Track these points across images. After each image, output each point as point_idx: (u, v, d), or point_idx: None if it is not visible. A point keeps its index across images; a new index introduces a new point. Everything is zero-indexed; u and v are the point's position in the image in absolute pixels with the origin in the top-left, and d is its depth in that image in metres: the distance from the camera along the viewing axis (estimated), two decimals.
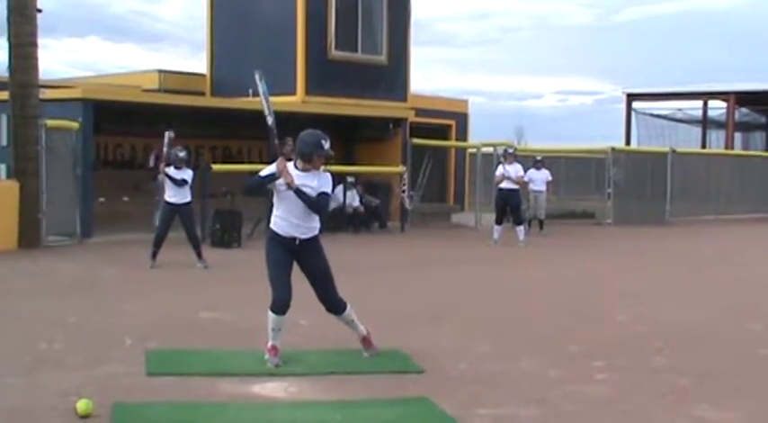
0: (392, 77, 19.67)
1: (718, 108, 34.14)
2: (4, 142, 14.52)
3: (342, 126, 18.12)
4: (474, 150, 20.91)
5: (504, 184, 15.47)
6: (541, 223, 18.34)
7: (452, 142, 21.81)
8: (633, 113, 34.17)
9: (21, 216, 13.42)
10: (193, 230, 11.86)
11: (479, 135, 23.64)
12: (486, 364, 6.53)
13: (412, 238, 16.97)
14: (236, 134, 19.01)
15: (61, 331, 7.36)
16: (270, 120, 6.45)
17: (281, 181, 6.16)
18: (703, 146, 33.30)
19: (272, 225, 6.35)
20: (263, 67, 19.38)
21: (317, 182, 6.19)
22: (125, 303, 8.85)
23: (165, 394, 5.57)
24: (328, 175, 6.33)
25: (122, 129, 17.74)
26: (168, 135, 11.76)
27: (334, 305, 6.39)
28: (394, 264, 12.80)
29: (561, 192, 24.15)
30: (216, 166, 16.02)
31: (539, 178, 18.29)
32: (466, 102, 23.34)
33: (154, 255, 11.58)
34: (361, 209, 17.83)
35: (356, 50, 19.11)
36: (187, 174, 11.56)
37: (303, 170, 6.19)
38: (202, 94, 19.33)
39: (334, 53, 18.64)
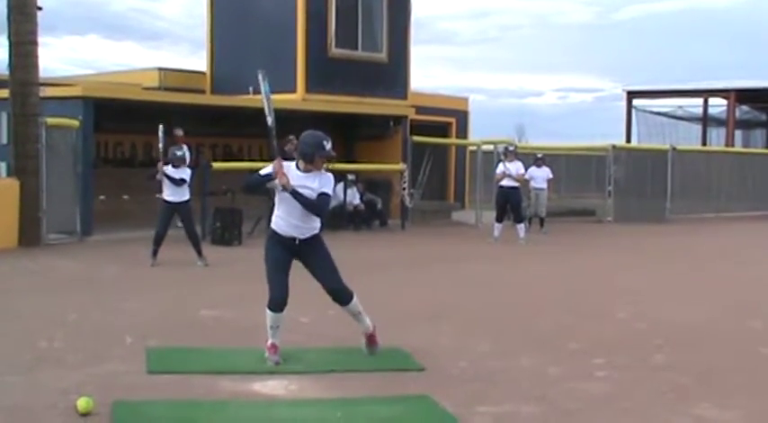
0: (392, 75, 19.68)
1: (718, 105, 34.13)
2: (5, 140, 14.52)
3: (342, 124, 18.13)
4: (474, 148, 20.90)
5: (505, 182, 15.47)
6: (542, 221, 18.33)
7: (453, 140, 21.81)
8: (633, 111, 34.17)
9: (21, 214, 13.42)
10: (193, 228, 11.86)
11: (480, 133, 23.66)
12: (487, 362, 6.53)
13: (412, 236, 16.97)
14: (236, 132, 19.01)
15: (61, 329, 7.36)
16: (270, 120, 6.44)
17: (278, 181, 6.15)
18: (704, 143, 33.29)
19: (272, 224, 6.34)
20: (263, 64, 19.33)
21: (317, 183, 6.16)
22: (125, 301, 8.85)
23: (165, 392, 5.58)
24: (330, 175, 6.30)
25: (123, 127, 17.74)
26: (162, 130, 11.71)
27: (341, 294, 6.33)
28: (394, 261, 12.80)
29: (562, 189, 24.13)
30: (216, 164, 16.02)
31: (540, 176, 18.29)
32: (466, 99, 23.35)
33: (154, 253, 11.58)
34: (362, 207, 17.83)
35: (356, 48, 19.11)
36: (185, 173, 11.55)
37: (305, 171, 6.17)
38: (203, 91, 19.33)
39: (335, 51, 18.64)
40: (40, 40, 13.75)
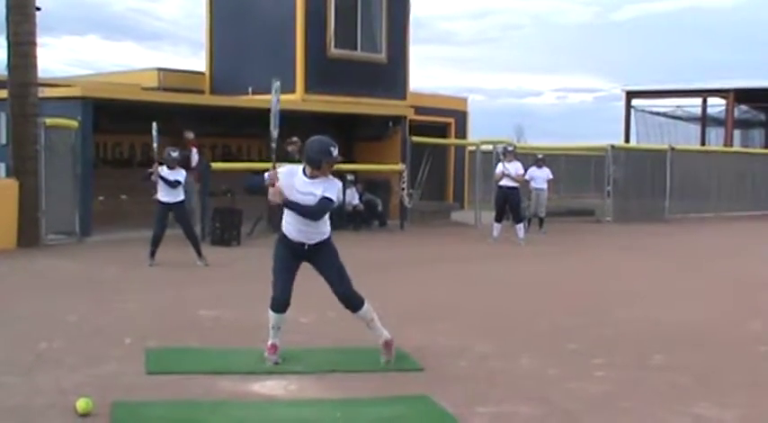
0: (391, 75, 19.68)
1: (717, 105, 34.16)
2: (4, 141, 14.51)
3: (341, 124, 18.12)
4: (473, 148, 20.90)
5: (504, 182, 15.47)
6: (541, 221, 18.34)
7: (452, 140, 21.81)
8: (632, 111, 34.20)
9: (20, 215, 13.41)
10: (191, 229, 11.86)
11: (479, 133, 23.66)
12: (486, 362, 6.53)
13: (411, 236, 16.97)
14: (235, 132, 19.02)
15: (60, 330, 7.36)
16: (275, 133, 6.41)
17: (289, 185, 6.09)
18: (702, 143, 33.32)
19: (282, 227, 6.32)
20: (262, 64, 19.35)
21: (322, 188, 6.10)
22: (124, 302, 8.85)
23: (164, 393, 5.58)
24: (337, 182, 6.24)
25: (122, 127, 17.74)
26: (155, 129, 11.69)
27: (350, 299, 6.30)
28: (393, 262, 12.80)
29: (561, 189, 24.16)
30: (215, 165, 16.01)
31: (540, 176, 18.29)
32: (465, 100, 23.35)
33: (152, 254, 11.58)
34: (361, 207, 17.83)
35: (355, 49, 19.11)
36: (180, 174, 11.55)
37: (311, 176, 6.12)
38: (202, 92, 19.33)
39: (334, 51, 18.64)
40: (39, 40, 13.79)
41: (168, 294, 9.50)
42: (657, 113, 35.20)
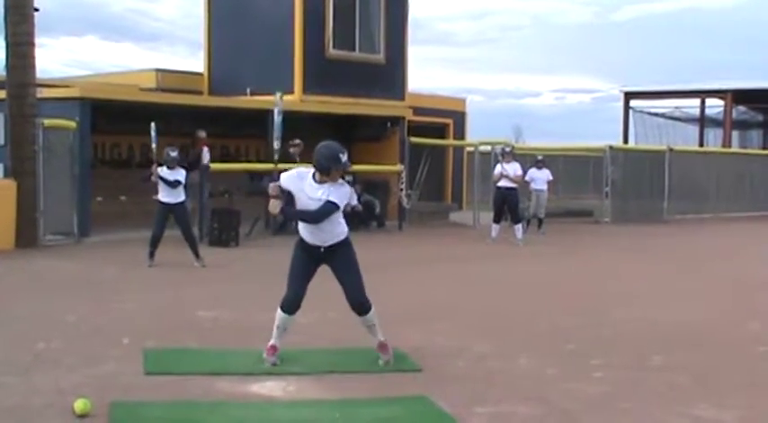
0: (390, 76, 19.67)
1: (715, 106, 34.19)
2: (2, 141, 14.48)
3: (339, 125, 18.12)
4: (472, 149, 20.90)
5: (503, 183, 15.48)
6: (540, 222, 18.35)
7: (450, 141, 21.81)
8: (631, 112, 34.22)
9: (18, 215, 13.40)
10: (189, 230, 11.85)
11: (477, 134, 23.66)
12: (484, 363, 6.53)
13: (410, 237, 16.97)
14: (233, 133, 19.01)
15: (59, 330, 7.36)
16: (276, 144, 6.44)
17: (298, 189, 6.11)
18: (701, 144, 33.33)
19: (299, 231, 6.30)
20: (260, 65, 19.33)
21: (329, 193, 6.07)
22: (123, 302, 8.84)
23: (162, 393, 5.57)
24: (345, 186, 6.23)
25: (120, 128, 17.73)
26: (154, 129, 11.68)
27: (361, 305, 6.31)
28: (391, 262, 12.79)
29: (559, 190, 24.16)
30: (214, 165, 16.01)
31: (540, 178, 18.31)
32: (464, 100, 23.34)
33: (151, 254, 11.56)
34: (359, 208, 17.82)
35: (354, 49, 19.11)
36: (180, 174, 11.53)
37: (320, 182, 6.13)
38: (200, 93, 19.32)
39: (332, 52, 18.64)
40: (38, 41, 13.75)
41: (167, 295, 9.50)
42: (656, 114, 35.23)
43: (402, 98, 19.95)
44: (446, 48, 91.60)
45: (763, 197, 26.13)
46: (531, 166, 18.42)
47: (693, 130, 35.19)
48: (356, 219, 17.68)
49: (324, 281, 6.45)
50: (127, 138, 18.30)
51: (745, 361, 6.83)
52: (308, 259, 6.24)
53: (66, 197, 14.27)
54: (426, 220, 19.71)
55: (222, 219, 14.57)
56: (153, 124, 11.69)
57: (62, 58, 75.10)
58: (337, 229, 6.24)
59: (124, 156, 18.64)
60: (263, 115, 16.87)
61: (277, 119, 6.43)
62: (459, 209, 21.69)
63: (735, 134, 34.90)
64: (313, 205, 6.06)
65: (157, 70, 19.97)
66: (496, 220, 15.71)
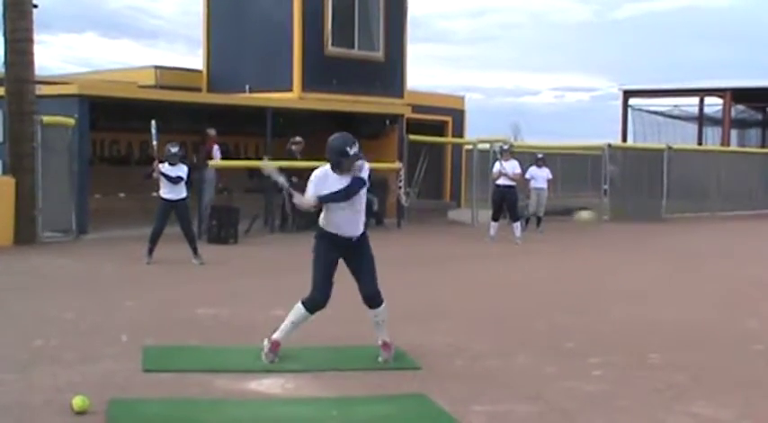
0: (389, 74, 19.65)
1: (714, 105, 34.17)
2: (0, 138, 14.49)
3: (338, 122, 18.06)
4: (470, 147, 20.89)
5: (501, 181, 15.48)
6: (539, 220, 18.35)
7: (449, 139, 21.80)
8: (630, 110, 34.19)
9: (16, 212, 13.39)
10: (190, 227, 11.84)
11: (476, 131, 23.64)
12: (483, 361, 6.53)
13: (408, 235, 16.96)
14: (232, 130, 18.97)
15: (57, 328, 7.35)
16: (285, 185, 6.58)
17: (326, 188, 6.13)
18: (699, 143, 33.32)
19: (325, 226, 6.28)
20: (259, 63, 19.30)
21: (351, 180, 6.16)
22: (121, 300, 8.83)
23: (161, 391, 5.57)
24: (365, 166, 6.23)
25: (119, 125, 17.71)
26: (155, 126, 11.67)
27: (376, 297, 6.34)
28: (390, 260, 12.70)
29: (558, 188, 24.14)
30: (212, 163, 16.00)
31: (540, 176, 18.30)
32: (462, 98, 23.33)
33: (150, 251, 11.55)
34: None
35: (353, 47, 19.09)
36: (182, 170, 11.51)
37: (340, 175, 6.16)
38: (199, 90, 19.30)
39: (331, 49, 18.62)
40: (36, 37, 13.73)
41: (165, 292, 9.50)
42: (655, 112, 35.21)
43: (401, 96, 19.94)
44: (445, 45, 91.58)
45: (761, 196, 26.14)
46: (530, 165, 18.41)
47: (692, 128, 35.16)
48: None
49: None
50: (126, 135, 18.29)
51: (743, 359, 6.83)
52: (335, 254, 6.25)
53: (64, 194, 14.26)
54: (425, 218, 19.69)
55: (221, 216, 14.57)
56: (153, 122, 11.68)
57: (61, 54, 75.01)
58: (363, 217, 6.33)
59: (123, 153, 18.63)
60: (262, 112, 16.88)
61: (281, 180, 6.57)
62: (457, 207, 21.69)
63: (733, 133, 34.89)
64: None
65: (156, 67, 19.94)
66: (495, 218, 15.71)
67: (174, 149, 11.52)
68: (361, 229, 6.29)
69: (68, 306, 8.36)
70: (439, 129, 21.68)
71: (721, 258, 14.42)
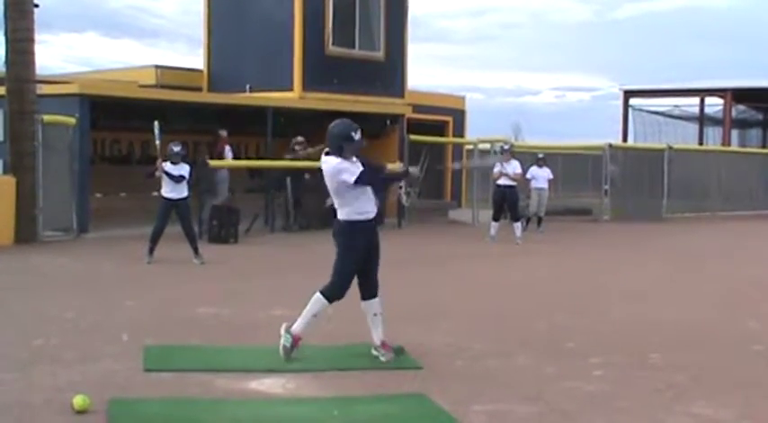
0: (389, 74, 19.66)
1: (715, 105, 34.16)
2: (1, 138, 14.50)
3: None
4: (471, 147, 20.89)
5: (502, 181, 15.48)
6: (539, 220, 18.35)
7: (449, 138, 21.81)
8: (630, 110, 34.17)
9: (17, 211, 13.40)
10: (191, 226, 11.85)
11: (476, 131, 23.66)
12: (483, 361, 6.53)
13: (409, 235, 16.96)
14: (233, 130, 18.98)
15: (58, 327, 7.36)
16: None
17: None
18: (700, 143, 33.31)
19: (357, 215, 6.34)
20: (260, 62, 19.26)
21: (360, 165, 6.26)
22: (122, 299, 8.83)
23: (162, 390, 5.57)
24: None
25: (119, 124, 17.72)
26: (158, 127, 11.68)
27: (376, 288, 6.46)
28: (390, 260, 12.68)
29: (558, 188, 24.14)
30: (213, 162, 16.01)
31: (541, 176, 18.30)
32: (463, 98, 23.34)
33: (151, 250, 11.55)
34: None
35: (353, 47, 19.09)
36: (184, 169, 11.53)
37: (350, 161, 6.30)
38: (200, 89, 19.31)
39: (332, 49, 18.62)
40: (37, 37, 13.75)
41: (166, 291, 9.50)
42: (655, 112, 35.19)
43: (401, 96, 19.94)
44: (446, 45, 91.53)
45: (762, 196, 26.12)
46: (531, 165, 18.41)
47: (693, 128, 35.15)
48: None
49: (319, 277, 6.45)
50: (126, 134, 18.31)
51: (743, 359, 6.83)
52: (366, 248, 6.36)
53: (65, 193, 14.28)
54: (425, 218, 19.69)
55: (222, 216, 14.59)
56: (156, 123, 11.71)
57: (62, 54, 74.97)
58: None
59: (124, 152, 18.64)
60: (263, 112, 16.88)
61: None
62: (458, 207, 21.69)
63: (734, 133, 34.88)
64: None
65: (157, 67, 19.95)
66: (496, 218, 15.71)
67: (177, 148, 11.54)
68: (376, 212, 6.44)
69: (69, 305, 8.37)
70: (439, 129, 21.69)
71: (722, 258, 14.42)
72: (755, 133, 37.84)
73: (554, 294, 9.94)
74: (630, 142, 31.46)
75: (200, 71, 19.95)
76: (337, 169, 6.21)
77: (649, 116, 35.03)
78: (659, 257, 14.35)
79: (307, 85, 18.20)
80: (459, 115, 22.54)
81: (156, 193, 11.87)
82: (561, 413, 5.29)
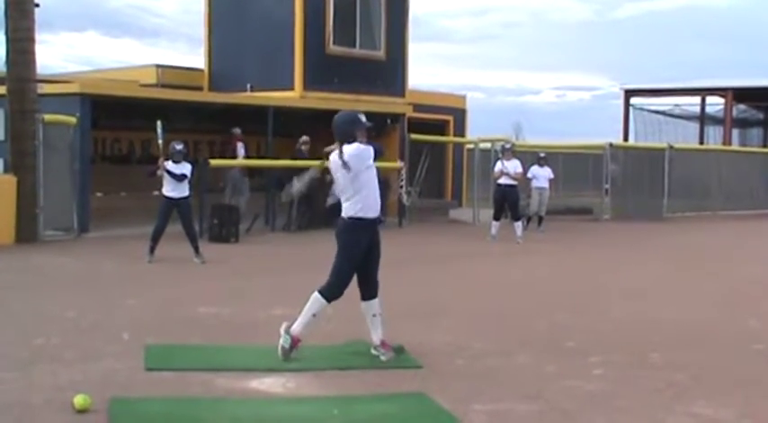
0: (390, 73, 19.67)
1: (715, 104, 34.18)
2: (2, 137, 14.50)
3: None
4: (472, 146, 20.90)
5: (503, 180, 15.49)
6: (540, 219, 18.35)
7: (450, 138, 21.81)
8: (631, 109, 34.20)
9: (18, 211, 13.41)
10: (192, 225, 11.86)
11: (477, 131, 23.67)
12: (483, 360, 6.53)
13: (410, 234, 16.96)
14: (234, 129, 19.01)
15: (58, 326, 7.36)
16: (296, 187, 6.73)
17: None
18: (701, 142, 33.32)
19: (359, 212, 6.40)
20: (261, 61, 19.28)
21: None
22: (123, 298, 8.84)
23: (162, 389, 5.58)
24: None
25: (120, 124, 17.73)
26: (161, 126, 11.68)
27: (376, 288, 6.47)
28: (391, 259, 12.67)
29: (559, 187, 24.16)
30: (214, 161, 16.02)
31: (542, 175, 18.31)
32: (464, 97, 23.34)
33: (151, 249, 11.56)
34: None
35: (354, 46, 19.10)
36: (186, 168, 11.54)
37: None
38: (200, 88, 19.32)
39: (333, 48, 18.63)
40: (38, 36, 13.77)
41: (167, 291, 9.50)
42: (656, 112, 35.22)
43: (402, 95, 19.95)
44: (446, 44, 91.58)
45: (762, 196, 26.13)
46: (532, 164, 18.42)
47: (694, 127, 35.17)
48: None
49: (319, 276, 6.45)
50: (127, 133, 18.31)
51: (743, 358, 6.83)
52: (366, 246, 6.38)
53: (66, 193, 14.28)
54: (426, 217, 19.69)
55: (222, 215, 14.59)
56: (159, 122, 11.71)
57: (62, 53, 75.05)
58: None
59: (124, 151, 18.64)
60: (264, 111, 16.88)
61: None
62: (459, 206, 21.70)
63: (735, 132, 34.91)
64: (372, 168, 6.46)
65: (158, 66, 19.97)
66: (496, 217, 15.72)
67: (179, 147, 11.55)
68: (379, 212, 6.48)
69: (69, 304, 8.37)
70: (440, 128, 21.69)
71: (722, 257, 14.42)
72: (756, 132, 37.86)
73: (554, 293, 9.94)
74: (631, 141, 31.49)
75: (200, 70, 19.97)
76: (361, 150, 6.32)
77: (650, 115, 35.05)
78: (660, 256, 14.35)
79: (307, 85, 18.22)
80: (459, 114, 22.54)
81: (156, 193, 11.87)
82: (561, 412, 5.30)
